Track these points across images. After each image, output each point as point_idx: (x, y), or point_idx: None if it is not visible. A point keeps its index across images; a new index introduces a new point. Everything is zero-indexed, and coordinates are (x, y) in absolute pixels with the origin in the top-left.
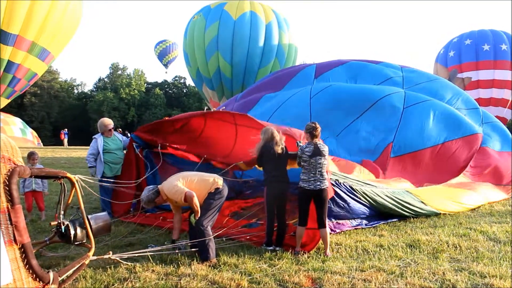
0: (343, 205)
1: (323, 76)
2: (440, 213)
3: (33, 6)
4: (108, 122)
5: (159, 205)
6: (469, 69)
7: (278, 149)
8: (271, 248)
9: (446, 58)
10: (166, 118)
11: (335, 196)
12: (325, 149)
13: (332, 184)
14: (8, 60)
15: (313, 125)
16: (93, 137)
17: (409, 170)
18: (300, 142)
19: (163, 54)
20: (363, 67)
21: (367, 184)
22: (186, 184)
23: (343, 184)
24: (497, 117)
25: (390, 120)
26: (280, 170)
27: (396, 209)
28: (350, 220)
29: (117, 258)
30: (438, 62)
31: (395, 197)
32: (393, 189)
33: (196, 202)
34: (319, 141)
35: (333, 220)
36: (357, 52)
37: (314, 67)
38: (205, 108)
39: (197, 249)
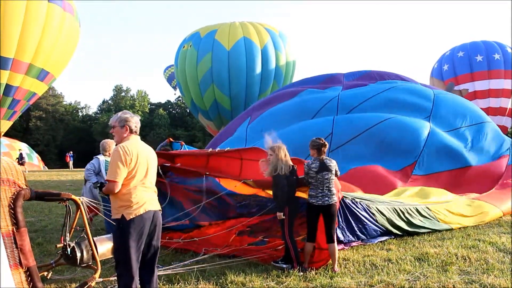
0: (360, 226)
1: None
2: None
3: (26, 28)
4: (112, 142)
5: None
6: (465, 81)
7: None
8: (286, 266)
9: (441, 72)
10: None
11: (350, 218)
12: (332, 164)
13: (348, 203)
14: (7, 83)
15: (320, 141)
16: (94, 157)
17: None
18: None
19: (172, 78)
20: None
21: (384, 202)
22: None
23: (359, 203)
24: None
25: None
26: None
27: (406, 227)
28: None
29: None
30: (434, 77)
31: (406, 217)
32: (409, 205)
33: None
34: (325, 157)
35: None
36: (356, 55)
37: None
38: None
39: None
